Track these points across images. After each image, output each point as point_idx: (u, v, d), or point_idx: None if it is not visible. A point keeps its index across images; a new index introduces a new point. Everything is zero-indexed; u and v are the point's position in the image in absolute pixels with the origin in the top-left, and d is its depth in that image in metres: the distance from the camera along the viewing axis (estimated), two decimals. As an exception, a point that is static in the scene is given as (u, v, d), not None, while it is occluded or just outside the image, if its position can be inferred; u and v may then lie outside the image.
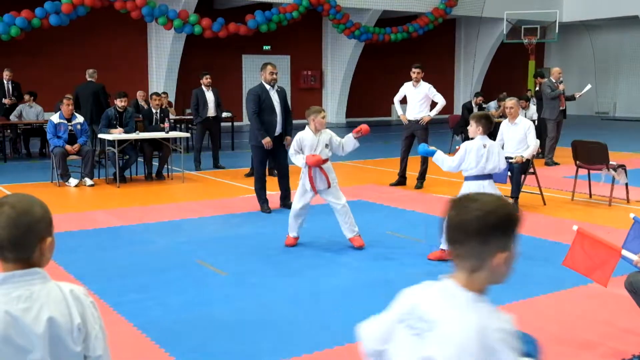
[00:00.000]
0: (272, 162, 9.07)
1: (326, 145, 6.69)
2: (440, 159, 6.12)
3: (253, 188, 8.74)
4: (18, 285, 1.95)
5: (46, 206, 2.04)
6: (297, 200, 6.76)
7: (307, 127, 6.74)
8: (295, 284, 5.61)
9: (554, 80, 13.30)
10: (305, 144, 6.66)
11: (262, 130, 8.34)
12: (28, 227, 1.96)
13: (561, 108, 13.31)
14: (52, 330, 1.93)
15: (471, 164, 6.08)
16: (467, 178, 6.16)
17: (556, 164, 13.04)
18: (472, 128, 6.16)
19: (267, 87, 8.46)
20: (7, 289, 1.94)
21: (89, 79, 13.76)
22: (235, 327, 4.62)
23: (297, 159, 6.69)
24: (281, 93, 8.60)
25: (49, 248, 2.02)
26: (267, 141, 8.31)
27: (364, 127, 6.65)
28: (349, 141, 6.68)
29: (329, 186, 6.65)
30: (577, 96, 13.99)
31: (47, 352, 1.93)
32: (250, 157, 11.72)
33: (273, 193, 8.91)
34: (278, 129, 8.51)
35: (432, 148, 6.17)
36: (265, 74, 8.47)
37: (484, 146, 6.11)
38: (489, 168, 6.12)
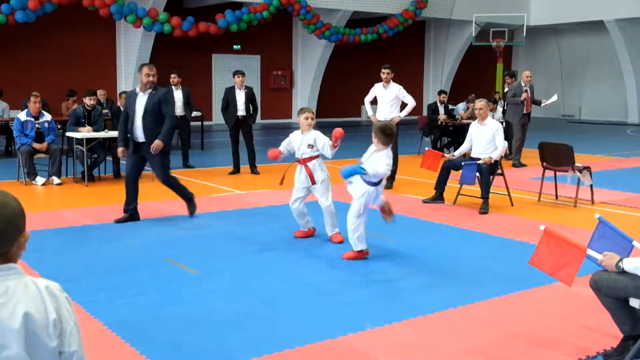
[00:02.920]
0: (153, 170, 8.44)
1: (309, 145, 6.88)
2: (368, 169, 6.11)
3: (225, 188, 8.71)
4: None
5: (19, 200, 2.05)
6: (293, 194, 7.05)
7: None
8: (266, 282, 5.62)
9: (522, 84, 13.45)
10: (292, 143, 7.01)
11: (121, 136, 8.01)
12: (9, 221, 1.97)
13: (525, 112, 13.46)
14: (28, 325, 1.93)
15: None
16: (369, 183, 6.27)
17: (523, 165, 13.20)
18: (374, 140, 6.25)
19: (137, 90, 7.87)
20: None
21: None
22: (207, 326, 4.62)
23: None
24: (153, 97, 7.81)
25: (24, 243, 2.04)
26: (119, 151, 8.08)
27: (337, 132, 6.71)
28: (328, 150, 6.87)
29: (313, 183, 6.91)
30: (543, 104, 14.15)
31: (22, 348, 1.92)
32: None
33: (242, 192, 8.88)
34: (139, 136, 7.83)
35: (350, 166, 6.13)
36: (140, 75, 7.89)
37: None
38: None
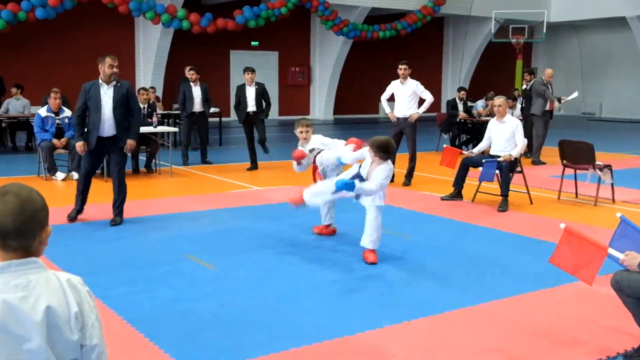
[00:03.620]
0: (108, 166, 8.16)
1: (311, 150, 6.91)
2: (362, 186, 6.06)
3: (243, 184, 8.72)
4: (16, 274, 1.96)
5: (42, 195, 2.06)
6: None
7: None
8: (283, 279, 5.62)
9: (545, 81, 13.34)
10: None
11: (80, 131, 7.53)
12: (32, 216, 1.98)
13: (548, 109, 13.39)
14: (49, 318, 1.94)
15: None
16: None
17: (543, 163, 13.12)
18: (370, 154, 6.09)
19: (101, 82, 7.47)
20: (5, 277, 1.95)
21: None
22: (225, 321, 4.63)
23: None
24: (119, 89, 7.50)
25: (47, 237, 2.05)
26: (78, 145, 7.50)
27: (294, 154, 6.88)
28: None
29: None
30: (563, 101, 14.03)
31: (44, 341, 1.93)
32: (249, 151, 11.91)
33: (260, 188, 8.89)
34: (107, 130, 7.49)
35: (344, 179, 6.07)
36: (103, 67, 7.43)
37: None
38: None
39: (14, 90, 14.53)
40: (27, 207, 1.97)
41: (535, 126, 13.44)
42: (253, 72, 11.96)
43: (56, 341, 1.96)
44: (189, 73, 12.75)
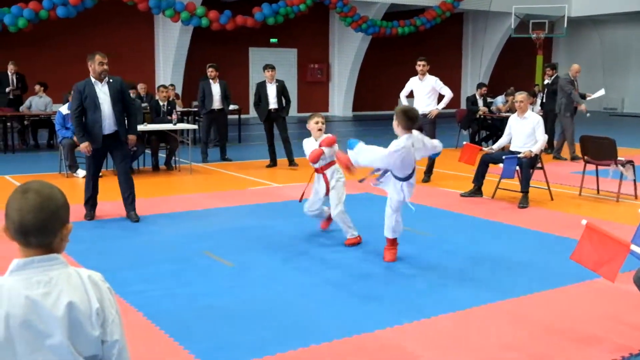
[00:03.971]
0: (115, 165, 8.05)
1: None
2: (355, 153, 5.94)
3: (262, 180, 8.73)
4: (38, 270, 1.98)
5: (64, 193, 2.08)
6: (311, 204, 6.85)
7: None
8: (301, 275, 5.63)
9: (571, 77, 13.15)
10: (307, 150, 6.67)
11: (82, 132, 7.46)
12: (53, 213, 1.99)
13: (575, 106, 13.12)
14: (71, 314, 1.96)
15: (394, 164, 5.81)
16: (398, 177, 5.93)
17: (563, 159, 13.08)
18: (394, 124, 5.84)
19: (94, 80, 7.42)
20: (27, 274, 1.97)
21: None
22: (243, 318, 4.64)
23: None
24: (113, 85, 7.49)
25: (67, 234, 2.07)
26: (83, 146, 7.47)
27: (324, 140, 6.52)
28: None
29: (327, 194, 6.65)
30: (588, 98, 13.82)
31: (66, 336, 1.95)
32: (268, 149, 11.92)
33: (279, 185, 8.89)
34: (108, 128, 7.49)
35: (355, 141, 6.00)
36: (94, 64, 7.39)
37: (412, 145, 5.76)
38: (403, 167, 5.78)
39: (37, 87, 14.66)
40: (48, 205, 1.99)
41: (565, 124, 13.13)
42: (273, 70, 11.96)
43: (78, 337, 1.98)
44: (209, 70, 12.78)
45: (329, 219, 7.00)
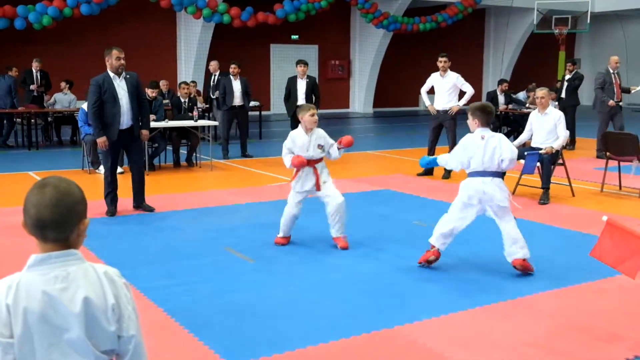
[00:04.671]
0: (128, 160, 8.19)
1: (319, 146, 6.35)
2: (443, 158, 5.87)
3: (282, 177, 8.74)
4: (55, 265, 1.99)
5: (81, 188, 2.10)
6: (290, 200, 6.48)
7: (299, 125, 6.42)
8: (321, 271, 5.65)
9: (611, 70, 12.78)
10: (296, 144, 6.33)
11: (100, 126, 7.52)
12: (70, 208, 2.01)
13: (616, 99, 12.69)
14: (87, 310, 1.98)
15: (466, 158, 5.62)
16: (468, 174, 5.70)
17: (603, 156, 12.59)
18: (469, 121, 5.70)
19: (112, 75, 7.52)
20: (45, 269, 1.99)
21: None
22: (263, 314, 4.66)
23: (286, 159, 6.37)
24: (130, 81, 7.64)
25: (85, 230, 2.07)
26: (101, 141, 7.53)
27: (345, 139, 6.33)
28: (334, 151, 6.41)
29: (318, 189, 6.35)
30: (633, 91, 13.44)
31: (82, 331, 1.97)
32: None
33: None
34: (125, 122, 7.63)
35: (431, 157, 6.01)
36: (111, 59, 7.48)
37: (482, 138, 5.56)
38: (489, 161, 5.52)
39: (62, 84, 14.82)
40: (65, 200, 2.00)
41: (599, 120, 12.70)
42: (305, 65, 11.96)
43: (94, 332, 2.00)
44: (231, 67, 12.82)
45: (288, 238, 6.60)
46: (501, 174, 5.64)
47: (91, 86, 7.54)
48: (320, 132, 6.42)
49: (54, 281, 1.97)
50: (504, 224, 5.59)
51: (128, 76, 7.65)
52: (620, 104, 12.96)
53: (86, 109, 10.77)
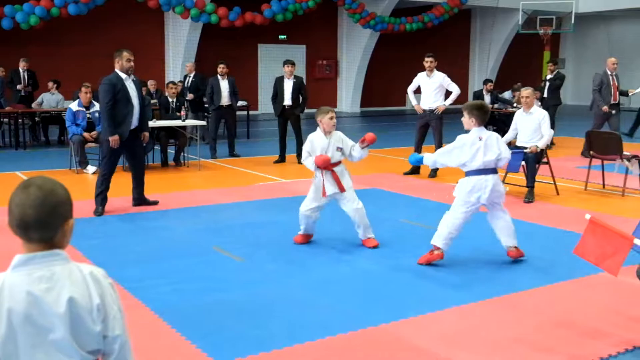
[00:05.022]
0: (128, 158, 8.42)
1: (338, 148, 6.32)
2: (430, 160, 5.89)
3: (270, 176, 8.77)
4: (40, 266, 1.99)
5: (67, 188, 2.09)
6: (309, 202, 6.38)
7: (317, 128, 6.39)
8: (309, 270, 5.69)
9: (608, 72, 12.58)
10: (316, 147, 6.28)
11: (113, 125, 7.64)
12: (54, 208, 2.00)
13: (613, 101, 12.52)
14: (72, 310, 1.97)
15: (465, 158, 5.71)
16: (467, 173, 5.80)
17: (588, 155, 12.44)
18: (465, 120, 5.76)
19: (123, 76, 7.66)
20: (29, 269, 1.98)
21: None
22: (251, 312, 4.69)
23: (308, 162, 6.31)
24: (136, 83, 7.88)
25: (70, 230, 2.07)
26: (115, 139, 7.62)
27: (369, 136, 6.28)
28: (358, 150, 6.37)
29: (342, 191, 6.28)
30: (631, 94, 13.38)
31: (67, 332, 1.97)
32: (281, 145, 11.94)
33: (287, 181, 8.92)
34: (134, 122, 7.83)
35: (420, 155, 6.05)
36: (121, 61, 7.64)
37: (480, 139, 5.67)
38: (489, 161, 5.69)
39: (50, 84, 14.77)
40: (50, 200, 1.99)
41: (594, 120, 12.55)
42: (293, 65, 11.98)
43: (79, 332, 1.99)
44: (220, 67, 12.85)
45: (309, 235, 6.62)
46: (496, 171, 5.82)
47: (105, 85, 7.59)
48: (339, 135, 6.38)
49: (39, 281, 1.97)
50: (502, 216, 5.86)
51: (135, 78, 7.86)
52: (620, 104, 12.74)
53: (73, 109, 10.82)
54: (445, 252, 5.82)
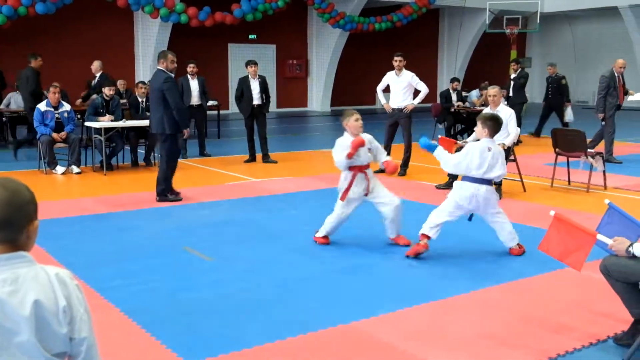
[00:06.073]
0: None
1: (370, 150, 6.30)
2: (442, 157, 6.01)
3: (241, 175, 8.78)
4: (4, 268, 1.97)
5: (31, 189, 2.06)
6: (342, 207, 6.31)
7: (345, 133, 6.34)
8: (280, 269, 5.71)
9: (616, 74, 12.20)
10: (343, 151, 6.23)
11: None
12: (19, 208, 1.97)
13: (618, 103, 12.15)
14: (38, 312, 1.95)
15: (471, 165, 5.86)
16: (464, 178, 5.97)
17: (619, 162, 11.98)
18: (479, 129, 5.99)
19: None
20: None
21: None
22: (222, 311, 4.70)
23: (340, 157, 6.19)
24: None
25: (34, 231, 2.04)
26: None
27: (391, 167, 6.33)
28: (382, 155, 6.45)
29: (367, 194, 6.27)
30: (631, 97, 13.11)
31: (33, 334, 1.95)
32: (254, 144, 11.98)
33: (258, 180, 8.93)
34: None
35: (434, 142, 6.11)
36: (166, 62, 8.42)
37: (489, 149, 5.88)
38: (490, 174, 5.89)
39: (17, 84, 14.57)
40: (14, 200, 1.97)
41: (607, 122, 12.25)
42: (256, 65, 11.97)
43: (45, 334, 1.97)
44: (190, 67, 12.82)
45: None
46: (490, 181, 6.02)
47: (173, 83, 8.36)
48: (368, 137, 6.32)
49: (3, 284, 1.94)
50: (497, 220, 6.10)
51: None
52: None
53: (42, 109, 10.71)
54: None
